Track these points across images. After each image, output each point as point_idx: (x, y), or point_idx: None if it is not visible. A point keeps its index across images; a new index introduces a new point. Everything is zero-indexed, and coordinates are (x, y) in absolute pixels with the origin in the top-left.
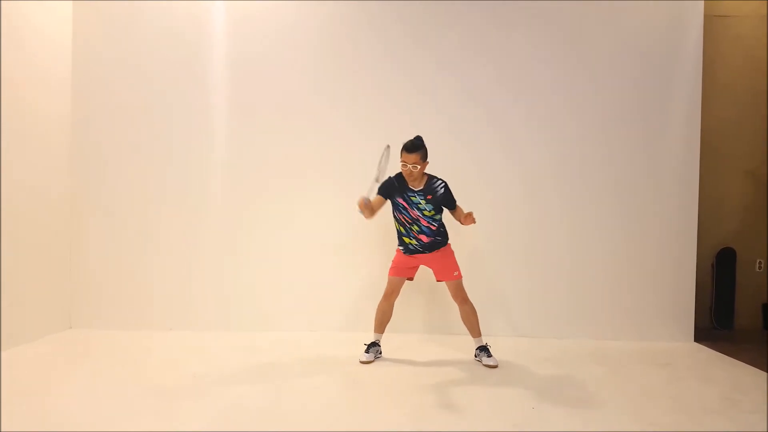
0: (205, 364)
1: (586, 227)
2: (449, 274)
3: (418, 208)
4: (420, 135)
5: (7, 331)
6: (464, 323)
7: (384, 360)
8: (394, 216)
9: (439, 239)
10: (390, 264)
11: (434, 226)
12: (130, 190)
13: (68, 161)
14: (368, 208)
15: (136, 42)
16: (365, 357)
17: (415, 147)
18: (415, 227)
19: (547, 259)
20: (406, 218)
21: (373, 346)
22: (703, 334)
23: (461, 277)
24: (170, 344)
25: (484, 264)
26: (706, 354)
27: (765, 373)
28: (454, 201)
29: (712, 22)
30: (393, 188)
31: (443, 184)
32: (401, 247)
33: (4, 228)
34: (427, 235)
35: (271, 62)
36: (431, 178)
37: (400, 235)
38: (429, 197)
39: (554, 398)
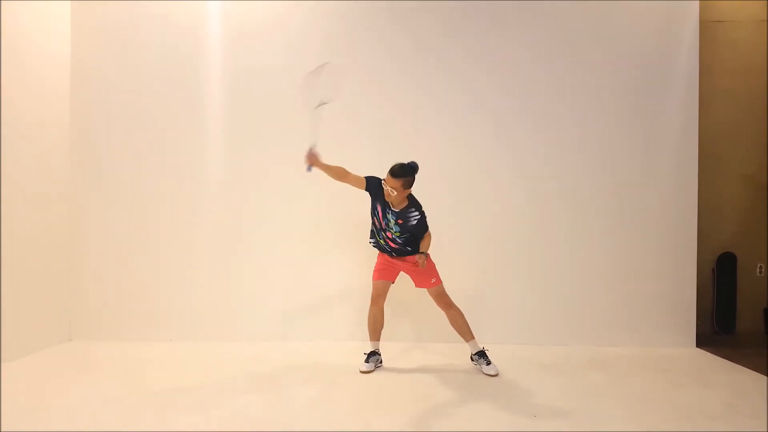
0: (205, 375)
1: (585, 233)
2: (427, 281)
3: (387, 224)
4: (415, 162)
5: (7, 343)
6: (453, 328)
7: (384, 369)
8: (371, 212)
9: (408, 249)
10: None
11: (400, 241)
12: (130, 202)
13: (67, 172)
14: (314, 162)
15: (133, 54)
16: (365, 367)
17: (400, 173)
18: (383, 233)
19: (548, 266)
20: (377, 222)
21: (373, 355)
22: (704, 340)
23: (440, 283)
24: (170, 355)
25: (483, 270)
26: (708, 359)
27: (767, 378)
28: (425, 231)
29: (707, 28)
30: (378, 190)
31: (418, 216)
32: (372, 240)
33: (4, 239)
34: (395, 244)
35: (268, 72)
36: (409, 207)
37: (373, 232)
38: (400, 222)
39: (555, 406)
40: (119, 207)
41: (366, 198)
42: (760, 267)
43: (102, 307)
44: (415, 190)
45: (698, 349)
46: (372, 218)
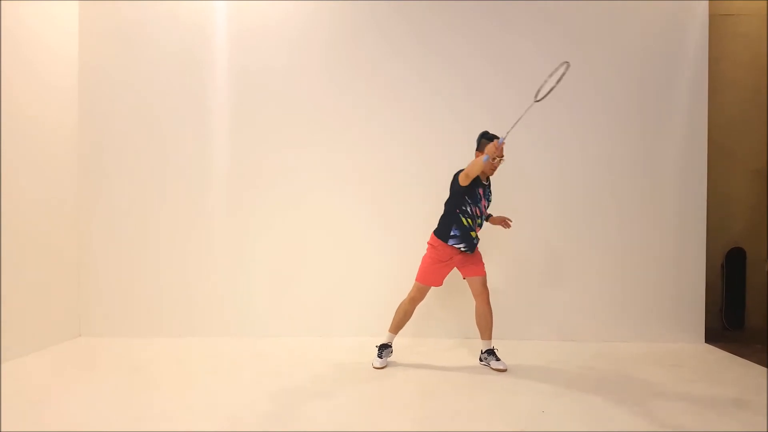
0: (212, 372)
1: (593, 228)
2: (481, 268)
3: (488, 200)
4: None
5: (17, 339)
6: (478, 323)
7: (394, 364)
8: (464, 210)
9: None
10: (403, 267)
11: (485, 218)
12: (138, 200)
13: (76, 171)
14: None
15: (140, 53)
16: (378, 363)
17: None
18: (479, 220)
19: (555, 262)
20: (478, 211)
21: (385, 348)
22: (713, 335)
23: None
24: (179, 351)
25: (490, 267)
26: (717, 355)
27: None
28: None
29: (716, 21)
30: (477, 179)
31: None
32: (463, 246)
33: (13, 237)
34: (480, 228)
35: (275, 73)
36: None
37: (466, 230)
38: (490, 190)
39: (564, 401)
40: (127, 205)
41: (365, 197)
42: None
43: (111, 304)
44: (423, 187)
45: (707, 345)
46: (470, 213)
